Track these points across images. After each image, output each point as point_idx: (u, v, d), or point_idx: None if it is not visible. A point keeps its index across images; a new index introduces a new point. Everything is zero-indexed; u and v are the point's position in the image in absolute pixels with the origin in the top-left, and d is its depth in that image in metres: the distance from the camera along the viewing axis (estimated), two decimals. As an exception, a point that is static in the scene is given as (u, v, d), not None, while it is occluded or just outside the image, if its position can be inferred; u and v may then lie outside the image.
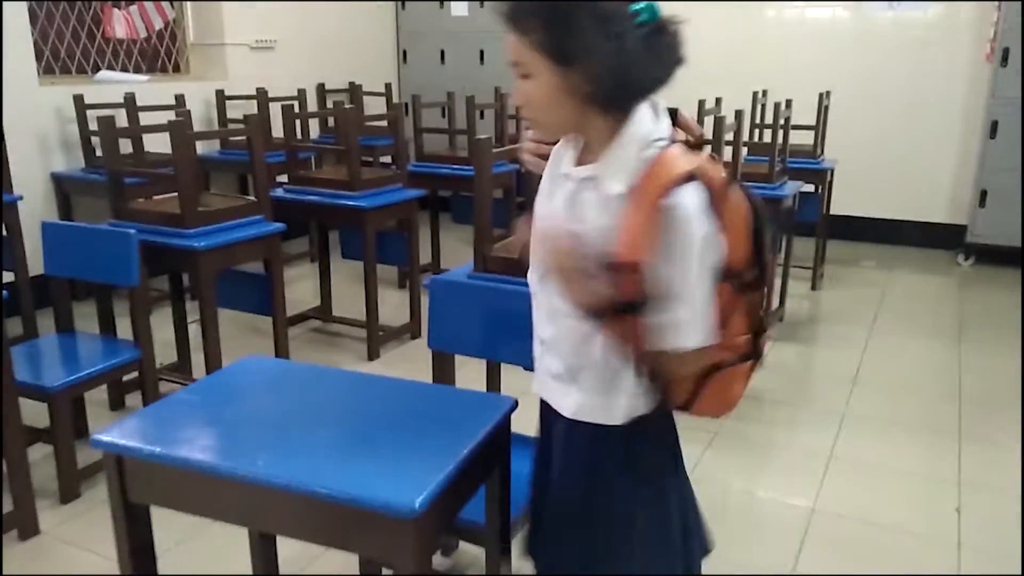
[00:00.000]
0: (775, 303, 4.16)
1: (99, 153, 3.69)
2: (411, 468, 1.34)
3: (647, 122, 1.26)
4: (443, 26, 6.69)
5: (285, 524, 1.38)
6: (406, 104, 5.51)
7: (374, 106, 5.93)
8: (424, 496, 1.24)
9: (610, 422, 1.39)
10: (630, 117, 1.25)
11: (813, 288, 4.88)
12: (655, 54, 1.20)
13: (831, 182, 4.89)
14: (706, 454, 2.90)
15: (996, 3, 5.12)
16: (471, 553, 2.29)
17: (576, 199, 1.30)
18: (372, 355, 3.78)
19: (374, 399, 1.62)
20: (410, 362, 3.74)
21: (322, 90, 5.78)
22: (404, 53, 6.94)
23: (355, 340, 4.01)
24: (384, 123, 5.18)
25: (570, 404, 1.40)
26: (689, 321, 1.23)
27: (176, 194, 2.92)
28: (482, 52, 6.54)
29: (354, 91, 5.59)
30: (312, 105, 5.57)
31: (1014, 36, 4.95)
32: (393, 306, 4.41)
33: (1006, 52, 5.00)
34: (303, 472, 1.31)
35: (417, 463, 1.36)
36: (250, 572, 1.94)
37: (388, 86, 5.91)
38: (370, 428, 1.48)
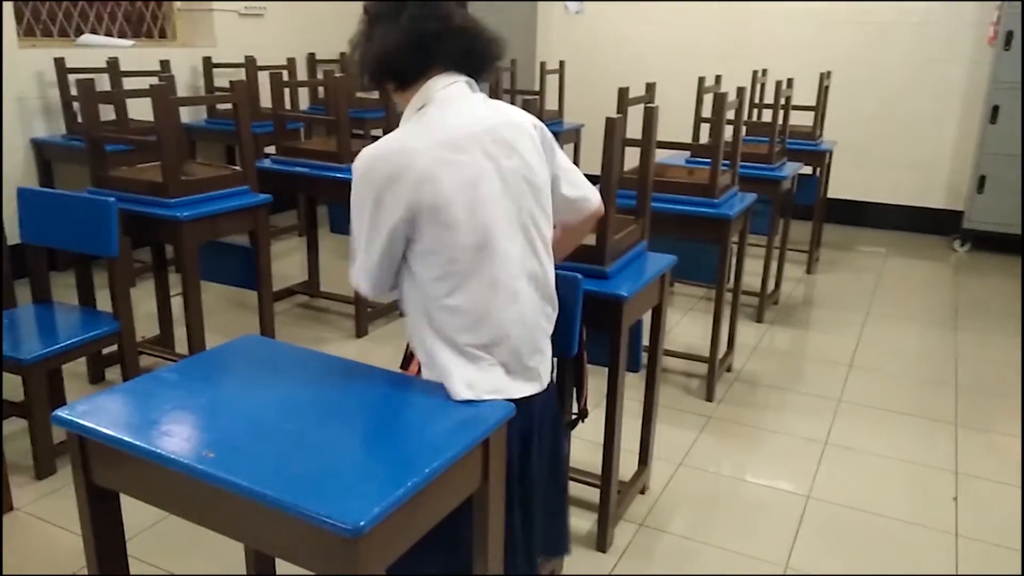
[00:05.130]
0: (771, 286, 4.11)
1: (81, 119, 3.57)
2: (371, 478, 1.21)
3: (428, 91, 1.52)
4: (438, -3, 6.53)
5: (228, 525, 1.26)
6: (399, 76, 5.37)
7: (366, 78, 5.78)
8: (373, 514, 1.11)
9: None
10: (419, 89, 1.53)
11: (809, 272, 4.82)
12: (395, 39, 1.49)
13: (829, 164, 4.83)
14: (699, 439, 2.84)
15: (1001, -15, 5.03)
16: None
17: None
18: (360, 332, 3.70)
19: (361, 394, 1.50)
20: (398, 339, 3.64)
21: (312, 60, 5.65)
22: (397, 24, 6.78)
23: (343, 316, 3.93)
24: (375, 95, 5.06)
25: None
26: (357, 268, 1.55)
27: (159, 162, 2.81)
28: (477, 25, 6.40)
29: (345, 61, 5.45)
30: (302, 75, 5.44)
31: (1018, 19, 4.87)
32: (382, 282, 4.32)
33: (1009, 35, 4.92)
34: (251, 472, 1.19)
35: (379, 473, 1.23)
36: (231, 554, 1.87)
37: (380, 57, 5.76)
38: (345, 427, 1.37)
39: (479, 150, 1.48)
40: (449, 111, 1.50)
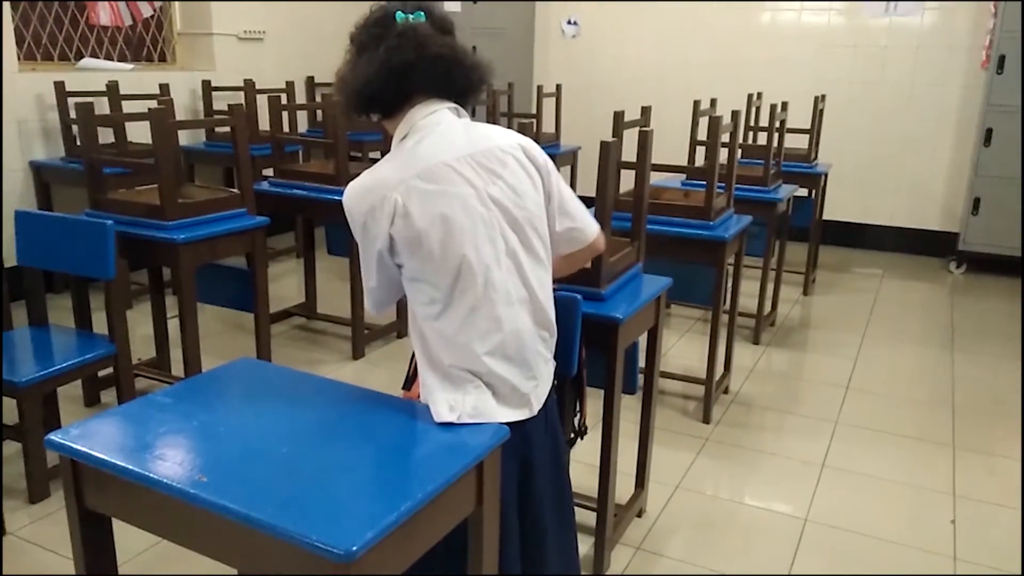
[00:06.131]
0: (767, 308, 4.11)
1: (80, 141, 3.59)
2: (364, 503, 1.20)
3: (411, 120, 1.54)
4: (436, 21, 6.60)
5: (221, 550, 1.25)
6: (396, 99, 5.41)
7: (364, 101, 5.82)
8: (366, 538, 1.10)
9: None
10: (403, 118, 1.55)
11: (805, 293, 4.83)
12: (373, 70, 1.50)
13: (824, 187, 4.85)
14: (696, 461, 2.83)
15: (992, 10, 5.09)
16: None
17: None
18: (357, 354, 3.70)
19: (355, 417, 1.49)
20: (395, 360, 3.66)
21: (311, 83, 5.69)
22: (396, 48, 6.84)
23: (340, 338, 3.92)
24: (373, 117, 5.09)
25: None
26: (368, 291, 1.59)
27: (157, 185, 2.82)
28: (475, 49, 6.44)
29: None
30: (301, 98, 5.48)
31: (1010, 43, 4.92)
32: (379, 304, 4.32)
33: (1002, 59, 4.97)
34: (244, 496, 1.18)
35: (372, 497, 1.22)
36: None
37: (379, 81, 5.80)
38: (339, 451, 1.35)
39: (457, 178, 1.47)
40: (427, 140, 1.50)
